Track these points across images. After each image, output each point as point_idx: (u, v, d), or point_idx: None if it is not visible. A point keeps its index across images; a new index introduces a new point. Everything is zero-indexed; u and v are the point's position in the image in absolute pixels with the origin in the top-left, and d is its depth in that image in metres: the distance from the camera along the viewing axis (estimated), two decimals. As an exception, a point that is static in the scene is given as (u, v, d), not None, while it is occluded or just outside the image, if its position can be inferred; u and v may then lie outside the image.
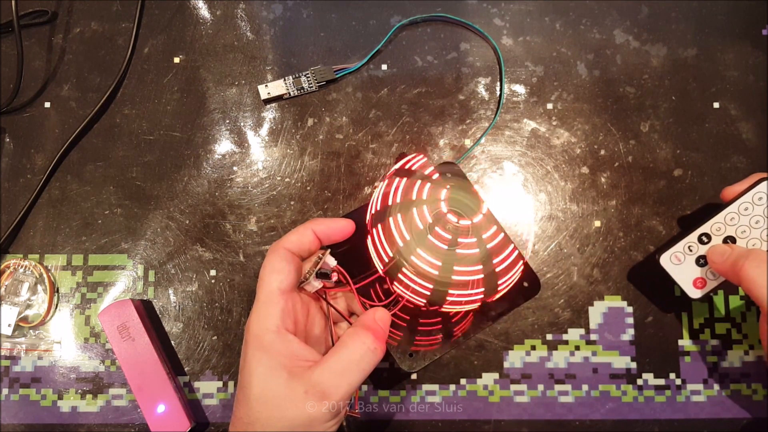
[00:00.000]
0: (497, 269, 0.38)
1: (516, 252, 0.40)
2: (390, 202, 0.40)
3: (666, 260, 0.46)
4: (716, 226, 0.46)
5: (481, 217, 0.39)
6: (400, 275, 0.38)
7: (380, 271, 0.40)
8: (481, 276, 0.38)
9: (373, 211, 0.41)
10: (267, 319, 0.37)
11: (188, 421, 0.46)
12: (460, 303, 0.39)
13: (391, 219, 0.39)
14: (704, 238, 0.46)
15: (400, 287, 0.39)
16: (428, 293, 0.38)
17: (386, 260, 0.39)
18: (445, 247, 0.38)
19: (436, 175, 0.41)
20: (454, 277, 0.37)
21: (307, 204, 0.51)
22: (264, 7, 0.54)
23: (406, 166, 0.42)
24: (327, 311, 0.42)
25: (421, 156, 0.43)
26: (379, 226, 0.39)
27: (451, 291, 0.38)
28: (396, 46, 0.54)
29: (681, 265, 0.46)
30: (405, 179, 0.40)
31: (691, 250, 0.46)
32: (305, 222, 0.41)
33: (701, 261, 0.46)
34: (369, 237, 0.40)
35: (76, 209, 0.51)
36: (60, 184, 0.52)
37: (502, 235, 0.39)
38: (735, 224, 0.46)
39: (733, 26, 0.54)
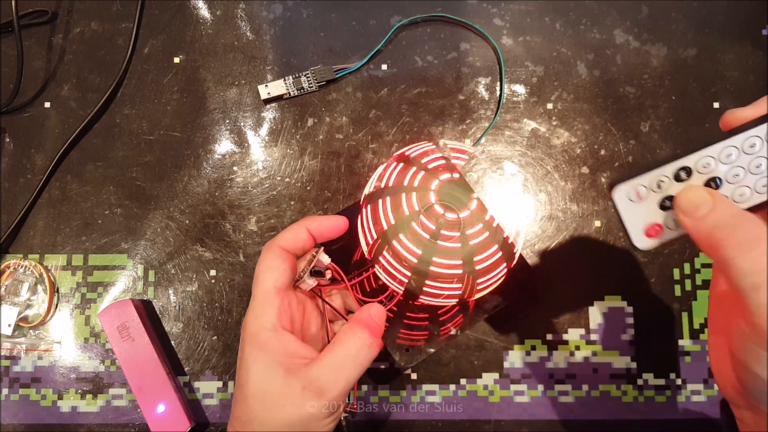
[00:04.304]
0: (478, 267, 0.38)
1: (499, 254, 0.39)
2: (385, 227, 0.40)
3: (621, 194, 0.34)
4: (704, 161, 0.33)
5: (469, 212, 0.39)
6: (381, 259, 0.38)
7: (365, 253, 0.40)
8: (460, 272, 0.38)
9: (367, 192, 0.41)
10: (263, 317, 0.37)
11: (188, 421, 0.46)
12: (437, 296, 0.39)
13: (380, 201, 0.39)
14: (683, 174, 0.33)
15: (381, 272, 0.39)
16: (406, 281, 0.38)
17: (405, 281, 0.39)
18: (428, 236, 0.38)
19: (432, 165, 0.41)
20: (432, 268, 0.37)
21: (307, 204, 0.51)
22: (264, 7, 0.54)
23: (407, 153, 0.42)
24: (322, 309, 0.42)
25: (428, 143, 0.43)
26: (386, 253, 0.39)
27: (429, 282, 0.38)
28: (396, 46, 0.54)
29: (640, 203, 0.34)
30: (402, 164, 0.41)
31: (659, 187, 0.34)
32: (299, 220, 0.41)
33: (667, 203, 0.34)
34: (378, 267, 0.40)
35: (76, 209, 0.51)
36: (60, 184, 0.52)
37: (486, 234, 0.39)
38: (730, 163, 0.33)
39: (733, 26, 0.54)
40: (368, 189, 0.41)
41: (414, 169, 0.40)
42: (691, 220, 0.32)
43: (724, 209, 0.31)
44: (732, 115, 0.34)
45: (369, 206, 0.40)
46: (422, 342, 0.43)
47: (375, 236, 0.39)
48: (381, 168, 0.41)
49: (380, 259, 0.39)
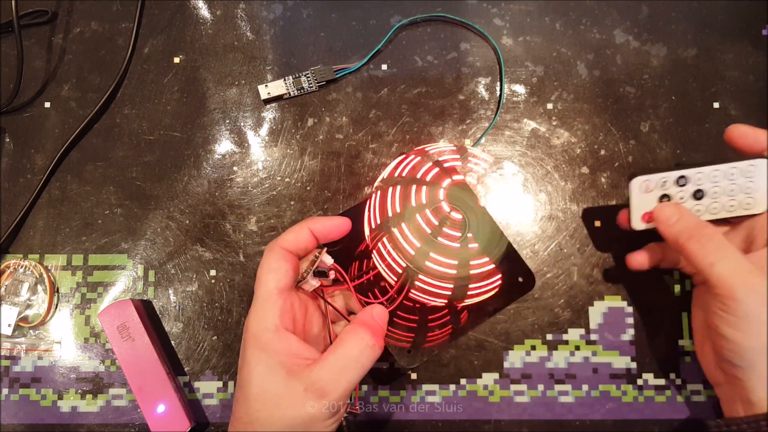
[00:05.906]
0: (473, 272, 0.40)
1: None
2: (390, 213, 0.40)
3: (637, 184, 0.44)
4: (697, 176, 0.44)
5: (475, 217, 0.40)
6: (417, 282, 0.38)
7: (392, 287, 0.40)
8: (454, 272, 0.39)
9: (373, 226, 0.41)
10: (266, 319, 0.37)
11: (188, 421, 0.46)
12: (479, 294, 0.39)
13: (396, 230, 0.39)
14: (681, 181, 0.44)
15: (420, 294, 0.39)
16: (449, 292, 0.38)
17: (399, 272, 0.39)
18: (429, 231, 0.38)
19: (429, 176, 0.41)
20: (427, 263, 0.38)
21: (307, 204, 0.51)
22: (264, 7, 0.54)
23: (428, 149, 0.42)
24: (325, 310, 0.42)
25: (452, 145, 0.43)
26: (385, 239, 0.39)
27: (422, 277, 0.38)
28: (396, 46, 0.54)
29: (647, 194, 0.44)
30: (399, 186, 0.41)
31: (664, 185, 0.44)
32: (301, 221, 0.41)
33: (664, 199, 0.44)
34: (375, 253, 0.40)
35: (76, 209, 0.51)
36: (60, 184, 0.52)
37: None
38: (714, 183, 0.43)
39: (733, 26, 0.54)
40: (371, 222, 0.41)
41: (429, 164, 0.40)
42: (664, 226, 0.43)
43: (687, 220, 0.42)
44: (737, 130, 0.43)
45: (379, 192, 0.40)
46: (424, 343, 0.43)
47: (379, 221, 0.39)
48: (401, 157, 0.42)
49: (379, 245, 0.39)
